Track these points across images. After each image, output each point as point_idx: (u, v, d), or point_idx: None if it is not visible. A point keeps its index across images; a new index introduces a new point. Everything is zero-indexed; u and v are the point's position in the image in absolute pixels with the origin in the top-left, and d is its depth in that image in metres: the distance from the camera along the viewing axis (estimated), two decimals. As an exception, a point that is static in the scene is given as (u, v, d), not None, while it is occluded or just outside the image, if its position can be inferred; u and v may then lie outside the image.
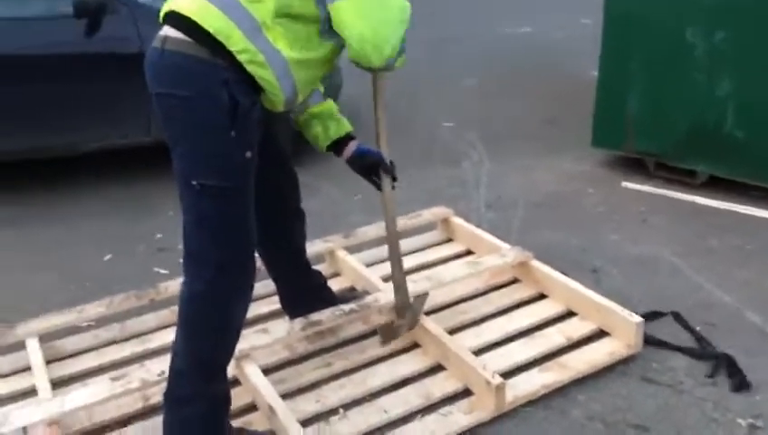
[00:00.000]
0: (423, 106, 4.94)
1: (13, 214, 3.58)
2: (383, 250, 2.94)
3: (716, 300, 2.58)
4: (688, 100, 3.38)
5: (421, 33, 6.78)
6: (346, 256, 2.78)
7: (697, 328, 2.39)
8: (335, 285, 2.72)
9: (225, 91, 1.61)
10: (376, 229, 2.94)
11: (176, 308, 2.52)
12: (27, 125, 3.60)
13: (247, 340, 2.17)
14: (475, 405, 2.06)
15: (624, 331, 2.27)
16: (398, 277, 2.25)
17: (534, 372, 2.19)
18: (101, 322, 2.53)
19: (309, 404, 2.09)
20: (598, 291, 2.51)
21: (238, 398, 2.11)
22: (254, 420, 2.03)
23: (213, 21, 1.60)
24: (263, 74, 1.65)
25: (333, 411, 2.07)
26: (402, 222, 2.98)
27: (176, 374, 1.83)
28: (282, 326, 2.25)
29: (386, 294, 2.40)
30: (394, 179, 2.17)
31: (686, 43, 3.29)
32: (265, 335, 2.21)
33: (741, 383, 2.13)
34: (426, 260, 2.89)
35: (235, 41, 1.60)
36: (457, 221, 3.03)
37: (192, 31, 1.61)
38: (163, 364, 2.06)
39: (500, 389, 2.01)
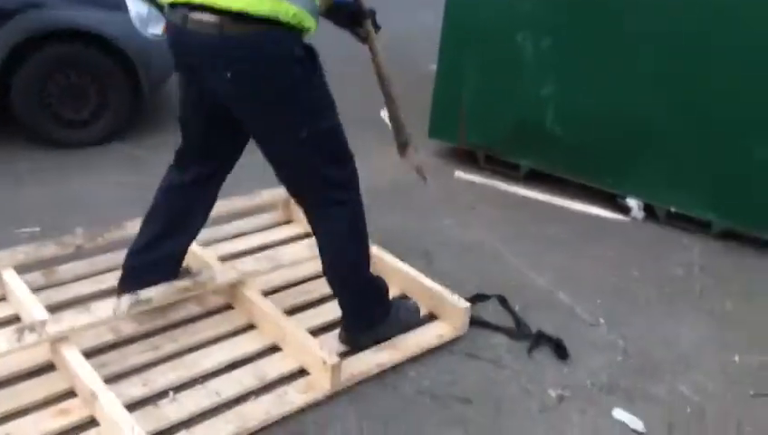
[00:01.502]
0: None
1: None
2: (218, 230, 2.85)
3: (532, 282, 2.81)
4: (515, 98, 3.63)
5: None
6: (179, 235, 2.65)
7: (516, 308, 2.59)
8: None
9: (296, 47, 1.81)
10: (215, 207, 2.82)
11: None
12: None
13: (66, 320, 2.01)
14: (310, 384, 2.07)
15: (452, 314, 2.40)
16: (395, 116, 2.24)
17: (369, 351, 2.24)
18: None
19: (135, 388, 1.97)
20: (429, 273, 2.63)
21: (55, 384, 1.95)
22: (73, 407, 1.88)
23: (262, 6, 1.72)
24: (311, 25, 1.83)
25: (162, 395, 1.98)
26: (242, 202, 2.91)
27: (353, 266, 2.14)
28: (106, 305, 2.11)
29: (222, 273, 2.33)
30: (375, 25, 2.20)
31: (516, 46, 3.54)
32: (86, 315, 2.05)
33: (562, 353, 2.35)
34: (266, 240, 2.84)
35: (285, 12, 1.74)
36: (297, 203, 3.01)
37: (246, 18, 1.72)
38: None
39: (336, 368, 2.04)
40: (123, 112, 3.69)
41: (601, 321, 2.58)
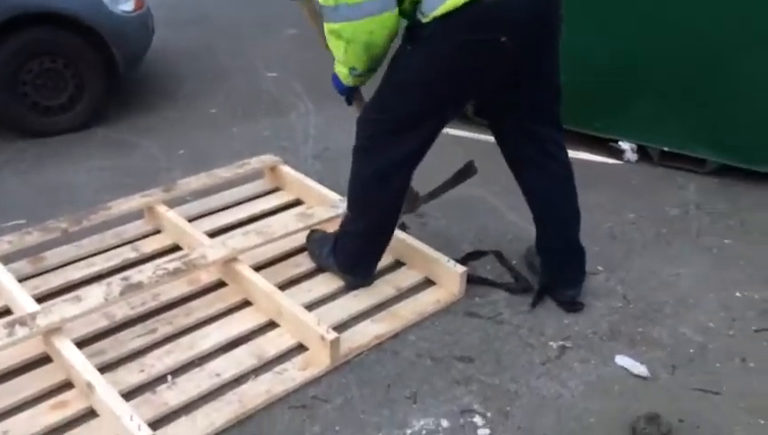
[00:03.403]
0: (245, 56, 4.74)
1: None
2: (206, 202, 2.81)
3: (528, 235, 2.74)
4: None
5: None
6: (167, 212, 2.61)
7: (513, 262, 2.56)
8: (155, 243, 2.56)
9: None
10: (197, 181, 2.79)
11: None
12: None
13: (56, 311, 1.98)
14: (309, 360, 2.05)
15: (449, 280, 2.37)
16: None
17: (367, 322, 2.22)
18: None
19: (132, 375, 1.96)
20: (423, 234, 2.59)
21: (50, 376, 1.94)
22: (70, 399, 1.87)
23: None
24: None
25: (161, 380, 1.96)
26: (228, 171, 2.86)
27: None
28: (96, 292, 2.08)
29: (213, 251, 2.29)
30: None
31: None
32: (77, 304, 2.02)
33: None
34: (254, 211, 2.79)
35: None
36: (286, 169, 2.95)
37: None
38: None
39: (334, 343, 2.02)
40: (100, 95, 3.61)
41: (599, 268, 2.56)
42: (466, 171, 2.54)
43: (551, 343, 2.19)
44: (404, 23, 2.00)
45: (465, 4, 1.83)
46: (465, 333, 2.23)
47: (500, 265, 2.55)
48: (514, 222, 2.86)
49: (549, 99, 2.17)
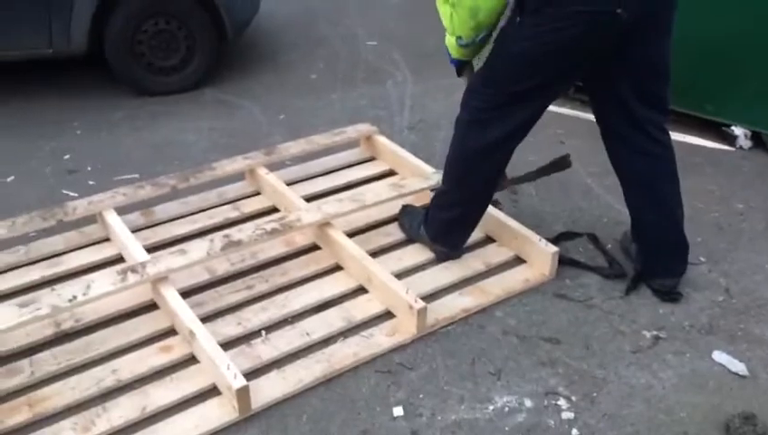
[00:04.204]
0: (346, 24, 4.78)
1: None
2: (304, 168, 2.89)
3: (625, 219, 2.67)
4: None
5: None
6: (267, 175, 2.70)
7: (608, 246, 2.49)
8: (255, 204, 2.66)
9: None
10: (298, 146, 2.86)
11: (85, 230, 2.44)
12: None
13: (164, 262, 2.11)
14: (397, 327, 2.09)
15: (540, 259, 2.33)
16: None
17: (455, 295, 2.23)
18: (4, 244, 2.38)
19: (230, 327, 2.06)
20: (515, 212, 2.56)
21: (156, 322, 2.07)
22: (174, 344, 2.00)
23: None
24: None
25: (255, 334, 2.06)
26: (326, 138, 2.92)
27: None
28: (200, 246, 2.20)
29: (308, 215, 2.36)
30: None
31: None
32: (182, 257, 2.14)
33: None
34: (349, 178, 2.85)
35: None
36: (381, 139, 2.99)
37: None
38: (74, 288, 1.99)
39: (422, 313, 2.04)
40: (210, 58, 3.75)
41: (702, 259, 2.45)
42: (560, 163, 2.48)
43: (644, 332, 2.13)
44: None
45: None
46: (553, 314, 2.20)
47: (593, 249, 2.49)
48: (611, 205, 2.77)
49: (656, 81, 2.06)
